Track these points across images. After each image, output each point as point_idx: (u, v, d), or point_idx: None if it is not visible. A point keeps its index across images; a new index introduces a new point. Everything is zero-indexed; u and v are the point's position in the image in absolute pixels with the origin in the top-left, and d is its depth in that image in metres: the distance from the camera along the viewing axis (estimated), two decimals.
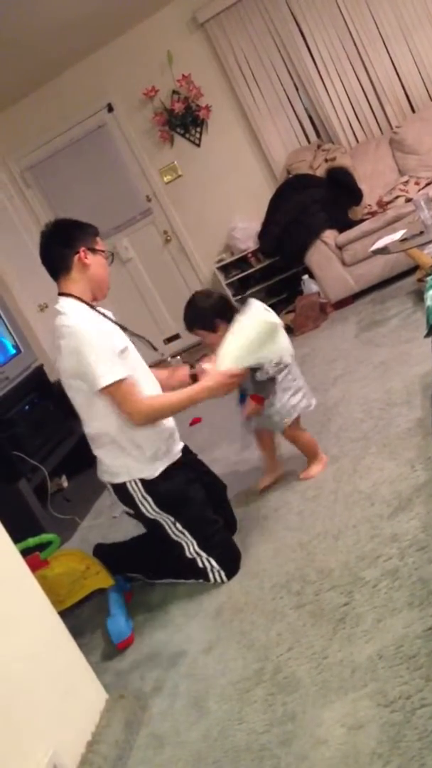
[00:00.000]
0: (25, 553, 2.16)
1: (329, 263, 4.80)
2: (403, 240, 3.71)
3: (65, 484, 4.12)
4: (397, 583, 1.81)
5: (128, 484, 2.28)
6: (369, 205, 5.03)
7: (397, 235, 3.79)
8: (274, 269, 5.43)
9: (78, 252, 2.24)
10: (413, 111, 5.37)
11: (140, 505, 2.29)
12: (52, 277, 2.31)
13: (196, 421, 3.97)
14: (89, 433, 2.31)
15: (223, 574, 2.29)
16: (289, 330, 4.92)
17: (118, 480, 2.29)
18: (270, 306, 2.44)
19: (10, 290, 5.09)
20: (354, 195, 5.05)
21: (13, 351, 4.04)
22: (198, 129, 5.72)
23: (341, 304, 4.89)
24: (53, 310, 2.24)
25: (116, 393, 2.16)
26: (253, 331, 2.26)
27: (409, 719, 1.40)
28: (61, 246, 2.25)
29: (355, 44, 5.33)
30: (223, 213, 5.78)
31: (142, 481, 2.28)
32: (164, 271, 6.10)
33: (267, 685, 1.72)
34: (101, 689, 1.89)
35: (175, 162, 5.84)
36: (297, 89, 5.54)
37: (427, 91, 5.34)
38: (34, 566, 2.22)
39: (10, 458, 3.41)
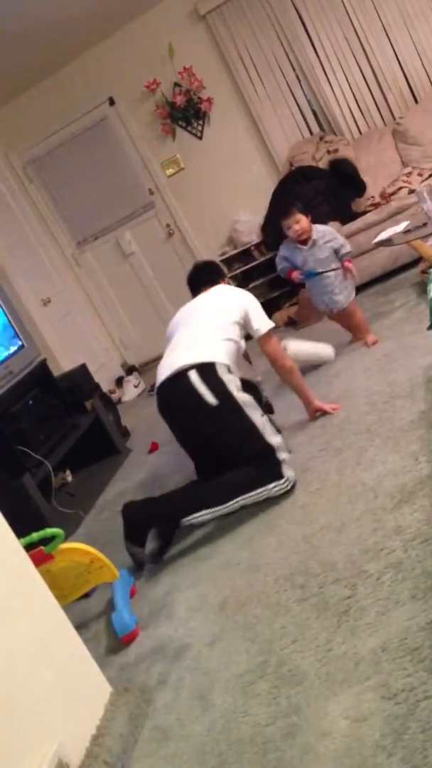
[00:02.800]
0: (29, 547, 2.17)
1: None
2: (407, 231, 3.69)
3: (69, 478, 4.13)
4: (401, 575, 1.81)
5: (221, 367, 2.70)
6: (372, 197, 5.01)
7: (401, 227, 3.78)
8: None
9: (223, 280, 3.38)
10: (416, 101, 5.34)
11: (228, 384, 2.66)
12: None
13: (153, 448, 3.95)
14: (218, 340, 2.81)
15: (292, 474, 2.58)
16: (293, 322, 4.91)
17: (220, 360, 2.72)
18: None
19: (12, 285, 5.08)
20: (357, 187, 5.03)
21: (15, 346, 4.03)
22: (200, 122, 5.70)
23: None
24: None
25: (271, 338, 2.96)
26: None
27: (413, 711, 1.40)
28: (217, 276, 3.37)
29: (357, 34, 5.31)
30: (226, 206, 5.76)
31: (229, 370, 2.75)
32: (167, 264, 6.08)
33: (271, 678, 1.72)
34: (105, 683, 1.90)
35: (177, 155, 5.82)
36: (299, 81, 5.52)
37: (430, 81, 5.31)
38: (38, 560, 2.22)
39: (14, 453, 3.41)
